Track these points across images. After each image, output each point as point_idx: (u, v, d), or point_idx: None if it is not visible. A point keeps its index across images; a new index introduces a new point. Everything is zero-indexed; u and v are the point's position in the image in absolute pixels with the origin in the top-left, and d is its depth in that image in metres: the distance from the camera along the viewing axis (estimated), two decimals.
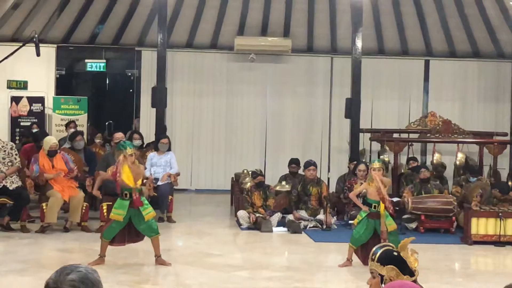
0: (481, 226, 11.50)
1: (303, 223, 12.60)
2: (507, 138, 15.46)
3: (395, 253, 3.94)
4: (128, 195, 9.02)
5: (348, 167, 14.84)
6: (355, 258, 9.55)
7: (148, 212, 9.12)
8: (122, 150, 9.07)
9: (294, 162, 14.25)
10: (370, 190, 9.55)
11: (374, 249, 4.00)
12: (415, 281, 3.92)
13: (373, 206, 9.46)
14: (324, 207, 12.75)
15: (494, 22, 17.50)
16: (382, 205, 9.42)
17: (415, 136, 16.01)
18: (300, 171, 13.94)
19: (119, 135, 12.38)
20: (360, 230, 9.46)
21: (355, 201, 10.12)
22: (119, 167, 9.02)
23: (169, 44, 16.62)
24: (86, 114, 17.23)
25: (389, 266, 3.86)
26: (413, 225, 12.65)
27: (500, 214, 11.44)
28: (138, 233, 9.26)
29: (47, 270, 2.63)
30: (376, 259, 3.91)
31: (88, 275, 2.58)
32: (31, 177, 11.70)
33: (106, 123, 17.87)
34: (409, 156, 15.90)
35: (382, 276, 3.88)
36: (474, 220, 11.52)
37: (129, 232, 9.26)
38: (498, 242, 11.39)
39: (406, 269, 3.89)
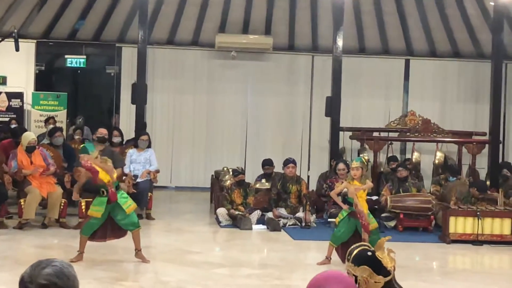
0: (459, 225, 11.56)
1: (282, 221, 12.60)
2: (486, 137, 15.54)
3: (369, 253, 3.87)
4: (105, 192, 9.00)
5: (331, 164, 14.86)
6: (334, 257, 9.55)
7: (129, 205, 9.09)
8: (90, 151, 9.03)
9: (267, 163, 14.05)
10: (351, 189, 9.53)
11: (350, 248, 3.98)
12: (390, 281, 3.89)
13: (353, 205, 9.45)
14: (303, 205, 12.76)
15: (474, 22, 17.60)
16: (365, 205, 9.43)
17: (395, 135, 16.08)
18: (278, 170, 13.93)
19: (103, 131, 12.33)
20: (342, 228, 9.47)
21: (335, 199, 10.10)
22: (92, 164, 8.99)
23: (150, 40, 16.58)
24: (65, 110, 17.14)
25: (362, 266, 3.82)
26: (392, 224, 12.70)
27: (478, 213, 11.50)
28: (121, 228, 9.22)
29: (25, 266, 2.60)
30: (351, 259, 3.88)
31: (64, 269, 2.55)
32: (9, 173, 11.63)
33: (78, 119, 17.70)
34: (389, 154, 15.95)
35: (356, 277, 3.84)
36: (452, 219, 11.58)
37: (112, 228, 9.22)
38: (476, 241, 11.45)
39: (381, 269, 3.83)
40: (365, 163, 10.11)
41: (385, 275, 3.83)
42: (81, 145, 9.48)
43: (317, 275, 2.89)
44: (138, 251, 9.21)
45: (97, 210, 8.99)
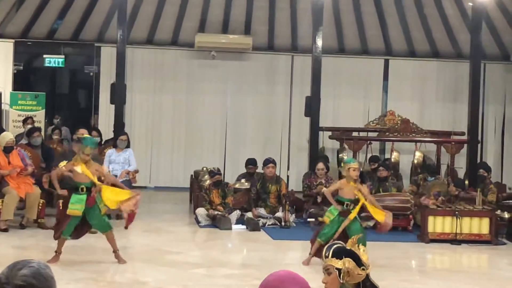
0: (438, 224, 11.62)
1: (262, 221, 12.60)
2: (464, 137, 15.62)
3: (348, 248, 3.99)
4: (84, 190, 8.97)
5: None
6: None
7: (103, 206, 9.07)
8: (88, 146, 9.01)
9: (251, 163, 14.10)
10: (345, 189, 9.52)
11: (325, 248, 4.04)
12: (368, 275, 3.98)
13: (345, 205, 9.45)
14: (283, 205, 12.77)
15: (453, 23, 17.68)
16: (356, 208, 9.44)
17: (374, 134, 16.12)
18: (259, 170, 13.93)
19: (83, 131, 12.32)
20: (333, 227, 9.39)
21: (329, 198, 9.85)
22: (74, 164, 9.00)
23: (129, 40, 16.49)
24: (43, 110, 17.01)
25: (345, 259, 3.91)
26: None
27: (457, 212, 11.56)
28: (84, 224, 9.21)
29: (2, 267, 2.57)
30: (330, 255, 3.94)
31: (41, 270, 2.53)
32: None
33: (55, 119, 17.61)
34: (368, 154, 15.97)
35: (339, 270, 3.90)
36: (431, 219, 11.63)
37: (82, 226, 9.20)
38: (455, 240, 11.51)
39: (360, 262, 3.95)
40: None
41: (365, 267, 3.94)
42: (86, 137, 9.45)
43: (268, 276, 2.87)
44: (115, 252, 9.19)
45: (77, 208, 8.95)
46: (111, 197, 9.09)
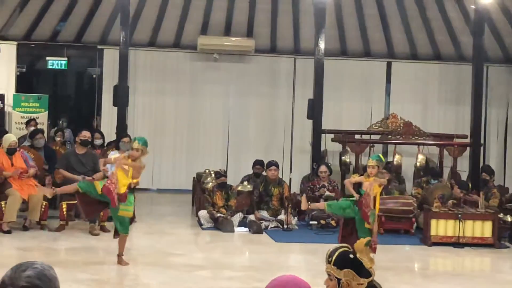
0: (440, 227, 11.60)
1: (264, 223, 12.60)
2: (467, 140, 15.62)
3: (351, 256, 3.93)
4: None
5: (313, 167, 14.87)
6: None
7: (124, 209, 9.06)
8: (136, 140, 9.28)
9: (258, 163, 14.15)
10: (365, 183, 9.61)
11: (330, 251, 3.98)
12: (372, 281, 3.94)
13: (364, 194, 9.56)
14: (285, 208, 12.77)
15: (455, 25, 17.68)
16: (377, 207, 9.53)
17: (377, 137, 16.12)
18: (264, 172, 13.95)
19: (86, 134, 12.34)
20: (343, 203, 9.54)
21: (348, 187, 9.99)
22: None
23: (132, 42, 16.50)
24: (46, 112, 17.01)
25: (345, 270, 3.85)
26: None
27: (459, 215, 11.55)
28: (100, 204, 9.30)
29: (6, 269, 2.58)
30: (332, 262, 3.90)
31: (45, 271, 2.54)
32: None
33: (59, 121, 17.64)
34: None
35: (339, 280, 3.87)
36: (433, 222, 11.62)
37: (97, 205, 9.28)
38: (457, 243, 11.49)
39: (362, 271, 3.88)
40: (382, 160, 10.11)
41: (367, 276, 3.88)
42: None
43: (271, 281, 2.88)
44: (119, 256, 9.19)
45: (128, 210, 9.12)
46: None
